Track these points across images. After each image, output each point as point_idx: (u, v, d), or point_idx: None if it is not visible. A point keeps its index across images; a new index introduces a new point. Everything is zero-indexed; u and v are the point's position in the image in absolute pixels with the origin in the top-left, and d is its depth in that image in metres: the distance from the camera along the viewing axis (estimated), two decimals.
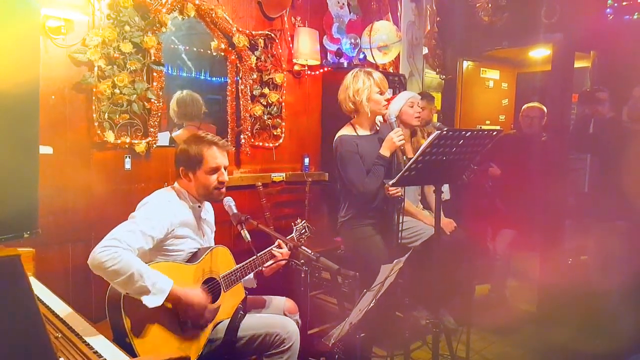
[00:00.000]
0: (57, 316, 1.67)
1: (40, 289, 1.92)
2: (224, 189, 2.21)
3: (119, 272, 1.75)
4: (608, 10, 3.57)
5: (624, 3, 3.47)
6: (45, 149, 2.51)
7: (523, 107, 4.22)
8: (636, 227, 3.09)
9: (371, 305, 1.99)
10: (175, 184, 2.23)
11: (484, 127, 5.35)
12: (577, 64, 4.02)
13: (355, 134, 2.74)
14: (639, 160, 2.91)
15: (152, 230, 1.95)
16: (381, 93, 2.68)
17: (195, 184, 2.16)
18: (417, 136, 3.40)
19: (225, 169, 2.20)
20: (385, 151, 2.64)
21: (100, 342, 1.49)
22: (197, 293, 1.98)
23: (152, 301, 1.80)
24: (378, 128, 2.84)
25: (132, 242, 1.85)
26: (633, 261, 2.97)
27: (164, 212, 2.04)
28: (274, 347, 2.12)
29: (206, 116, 3.44)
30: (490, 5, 4.10)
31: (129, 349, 1.75)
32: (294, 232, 2.58)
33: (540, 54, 5.25)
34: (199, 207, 2.24)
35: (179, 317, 1.96)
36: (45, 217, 2.52)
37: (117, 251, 1.77)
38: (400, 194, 2.65)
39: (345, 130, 2.77)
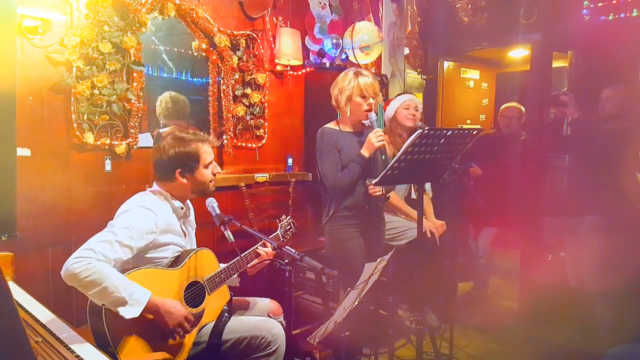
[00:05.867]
0: (37, 320, 1.64)
1: (19, 294, 1.89)
2: (214, 181, 2.24)
3: (93, 283, 1.71)
4: (584, 11, 3.64)
5: (600, 4, 3.54)
6: (23, 151, 2.47)
7: (501, 107, 4.29)
8: (610, 223, 3.16)
9: (355, 303, 1.99)
10: (155, 187, 2.16)
11: (464, 126, 5.41)
12: (555, 64, 4.09)
13: (338, 129, 2.73)
14: (612, 159, 2.98)
15: (131, 241, 1.89)
16: (363, 97, 2.62)
17: (192, 183, 2.14)
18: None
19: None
20: (364, 151, 2.61)
21: (81, 346, 1.47)
22: (175, 304, 1.93)
23: (129, 312, 1.76)
24: (366, 128, 2.81)
25: (108, 253, 1.80)
26: (611, 257, 3.03)
27: (144, 220, 1.97)
28: (259, 350, 2.10)
29: (189, 117, 3.41)
30: (470, 6, 4.15)
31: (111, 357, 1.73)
32: (279, 229, 2.57)
33: (519, 54, 5.34)
34: (182, 208, 2.21)
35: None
36: (24, 220, 2.48)
37: (91, 262, 1.73)
38: (380, 193, 2.64)
39: (329, 125, 2.76)
